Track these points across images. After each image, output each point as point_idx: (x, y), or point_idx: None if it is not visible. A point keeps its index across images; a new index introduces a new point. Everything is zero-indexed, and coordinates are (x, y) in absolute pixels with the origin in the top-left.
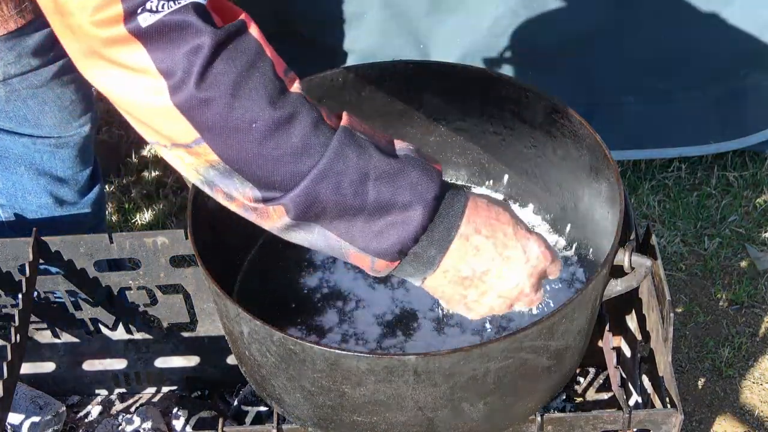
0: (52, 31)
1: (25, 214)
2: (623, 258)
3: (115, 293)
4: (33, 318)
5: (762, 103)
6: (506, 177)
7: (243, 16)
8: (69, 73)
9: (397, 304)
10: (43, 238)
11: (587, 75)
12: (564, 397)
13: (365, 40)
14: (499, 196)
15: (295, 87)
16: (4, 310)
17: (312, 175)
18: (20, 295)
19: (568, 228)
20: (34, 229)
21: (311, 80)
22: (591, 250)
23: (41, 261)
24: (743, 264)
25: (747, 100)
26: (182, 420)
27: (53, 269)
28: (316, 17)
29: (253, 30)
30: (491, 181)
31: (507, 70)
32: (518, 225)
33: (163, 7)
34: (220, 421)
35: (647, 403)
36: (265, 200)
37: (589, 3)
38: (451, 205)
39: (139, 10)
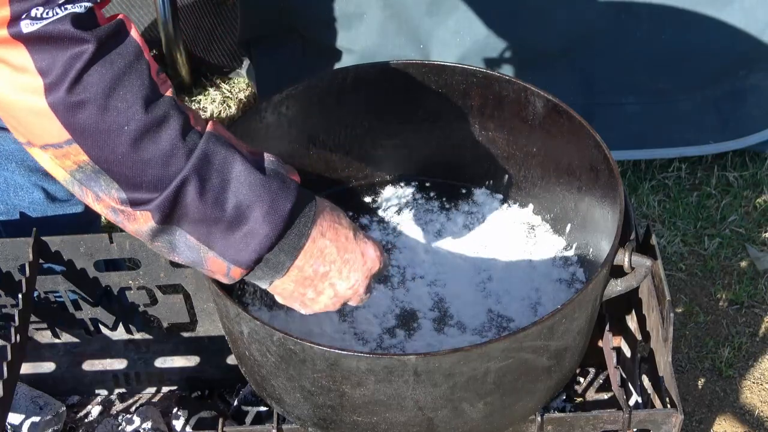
0: None
1: (18, 211)
2: (623, 258)
3: (115, 293)
4: (33, 318)
5: (762, 103)
6: (506, 177)
7: (121, 16)
8: None
9: (397, 304)
10: (43, 238)
11: (587, 75)
12: (564, 397)
13: (365, 40)
14: (500, 196)
15: (167, 89)
16: (4, 310)
17: (177, 180)
18: (20, 295)
19: (568, 228)
20: (34, 229)
21: (311, 80)
22: (591, 250)
23: (42, 261)
24: (743, 264)
25: (747, 100)
26: (182, 420)
27: (57, 268)
28: (316, 17)
29: (133, 32)
30: (491, 181)
31: (507, 70)
32: (357, 230)
33: (43, 16)
34: (220, 421)
35: (647, 403)
36: (132, 204)
37: (589, 3)
38: (304, 214)
39: (23, 16)
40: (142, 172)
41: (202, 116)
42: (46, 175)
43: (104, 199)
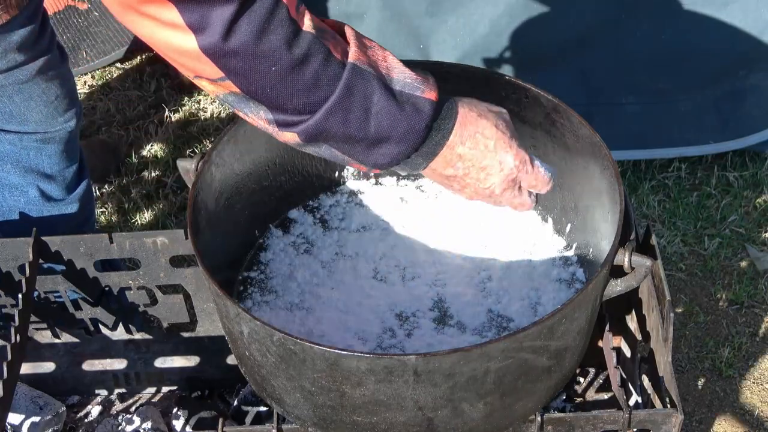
0: (35, 27)
1: (13, 211)
2: (623, 258)
3: (115, 293)
4: (33, 318)
5: (762, 103)
6: None
7: None
8: (53, 69)
9: (397, 304)
10: (43, 238)
11: (587, 75)
12: (564, 397)
13: None
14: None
15: (307, 24)
16: (4, 310)
17: (323, 110)
18: (20, 295)
19: (568, 228)
20: (34, 229)
21: None
22: (591, 250)
23: (42, 261)
24: (743, 264)
25: (747, 100)
26: (182, 420)
27: (58, 267)
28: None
29: None
30: None
31: (507, 70)
32: (501, 139)
33: None
34: (220, 421)
35: (647, 403)
36: (279, 124)
37: (589, 3)
38: (440, 127)
39: None
40: (289, 100)
41: (202, 116)
42: (42, 175)
43: (253, 118)
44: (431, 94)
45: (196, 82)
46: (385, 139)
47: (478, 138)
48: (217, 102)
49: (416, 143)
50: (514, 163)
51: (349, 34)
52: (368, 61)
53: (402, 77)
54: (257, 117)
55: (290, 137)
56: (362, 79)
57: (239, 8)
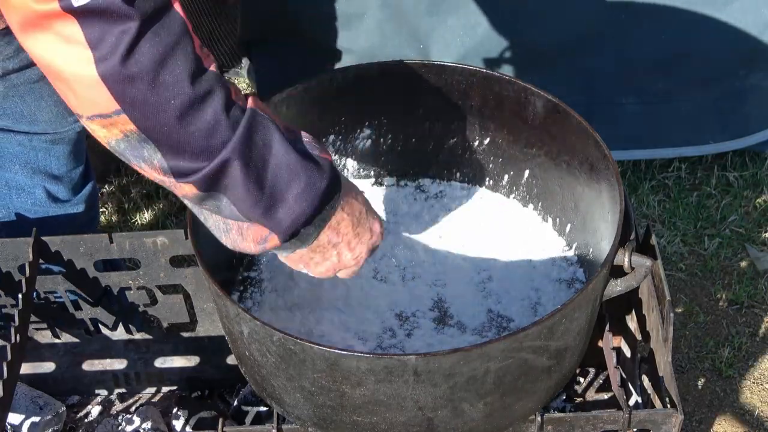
0: None
1: (20, 212)
2: (623, 258)
3: (115, 293)
4: (33, 318)
5: (762, 103)
6: (506, 177)
7: None
8: None
9: (397, 304)
10: (43, 238)
11: (587, 75)
12: (564, 397)
13: (365, 40)
14: (500, 197)
15: (210, 64)
16: (4, 310)
17: (222, 155)
18: (20, 295)
19: (568, 228)
20: (34, 229)
21: (311, 80)
22: (591, 250)
23: (42, 261)
24: (743, 264)
25: (747, 100)
26: (182, 420)
27: (55, 268)
28: (316, 17)
29: (177, 6)
30: (491, 181)
31: (507, 70)
32: (368, 206)
33: None
34: (220, 421)
35: (647, 403)
36: (175, 174)
37: (589, 3)
38: (334, 191)
39: None
40: (186, 143)
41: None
42: (50, 176)
43: (146, 169)
44: (327, 156)
45: (89, 124)
46: (282, 197)
47: (353, 204)
48: None
49: (316, 205)
50: (380, 230)
51: (251, 96)
52: (267, 111)
53: (299, 134)
54: (152, 167)
55: (188, 189)
56: (263, 126)
57: (141, 27)
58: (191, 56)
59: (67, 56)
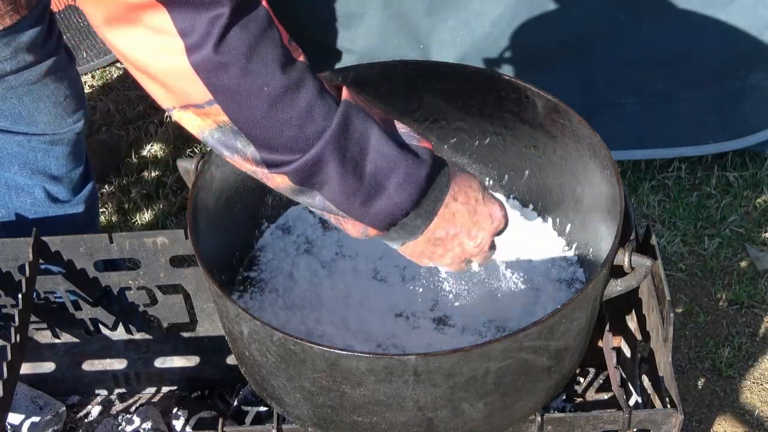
0: (44, 27)
1: (19, 212)
2: (623, 258)
3: (115, 293)
4: (33, 318)
5: (762, 103)
6: (506, 177)
7: None
8: (62, 70)
9: (398, 304)
10: (43, 238)
11: (587, 75)
12: (564, 397)
13: (365, 40)
14: (500, 197)
15: (300, 55)
16: (4, 310)
17: (317, 146)
18: (20, 295)
19: (568, 228)
20: (34, 229)
21: None
22: (591, 250)
23: (41, 261)
24: (743, 264)
25: (747, 100)
26: (182, 420)
27: (55, 268)
28: (316, 17)
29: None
30: (491, 181)
31: (507, 70)
32: (485, 191)
33: None
34: (220, 421)
35: (647, 403)
36: (268, 165)
37: (589, 3)
38: (438, 181)
39: None
40: (279, 133)
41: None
42: (49, 177)
43: (240, 160)
44: (427, 144)
45: (181, 115)
46: (382, 188)
47: (468, 192)
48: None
49: (416, 195)
50: (501, 214)
51: (344, 86)
52: (362, 102)
53: (397, 125)
54: (244, 158)
55: (281, 181)
56: (358, 116)
57: (231, 15)
58: (279, 46)
59: (157, 47)
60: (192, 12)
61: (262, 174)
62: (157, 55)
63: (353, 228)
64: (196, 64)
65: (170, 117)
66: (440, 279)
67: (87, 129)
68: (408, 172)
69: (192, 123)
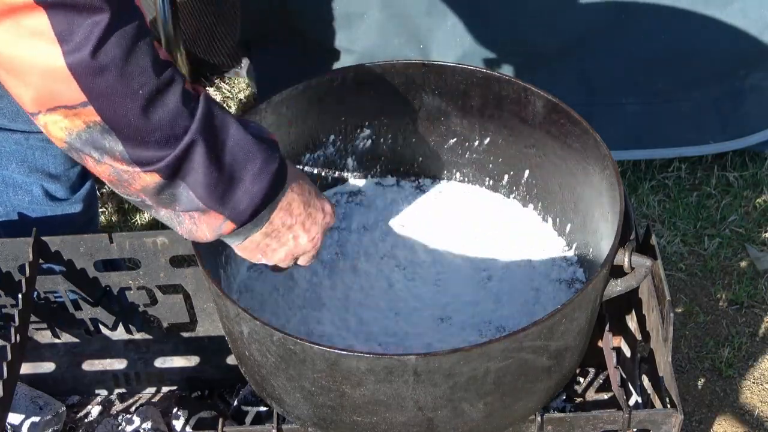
0: None
1: (17, 211)
2: (623, 258)
3: (115, 293)
4: (33, 318)
5: (762, 103)
6: (506, 177)
7: None
8: None
9: (398, 304)
10: (43, 238)
11: (587, 75)
12: (564, 397)
13: (365, 40)
14: (500, 197)
15: (164, 54)
16: (4, 310)
17: (185, 140)
18: (20, 295)
19: (568, 228)
20: (34, 229)
21: (311, 80)
22: (591, 250)
23: (42, 261)
24: (743, 264)
25: (747, 100)
26: (182, 420)
27: (57, 268)
28: (316, 17)
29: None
30: (491, 181)
31: (507, 70)
32: (315, 187)
33: None
34: (220, 421)
35: (647, 403)
36: (138, 163)
37: (589, 3)
38: (284, 171)
39: None
40: (151, 133)
41: None
42: (47, 175)
43: (108, 160)
44: (274, 137)
45: (46, 119)
46: (239, 179)
47: (302, 185)
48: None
49: (270, 186)
50: (331, 210)
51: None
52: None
53: (247, 119)
54: (113, 157)
55: (149, 180)
56: (216, 107)
57: (110, 21)
58: (151, 47)
59: (32, 50)
60: (71, 16)
61: (131, 174)
62: (31, 56)
63: (208, 226)
64: (73, 67)
65: None
66: (440, 279)
67: None
68: (263, 163)
69: (59, 125)
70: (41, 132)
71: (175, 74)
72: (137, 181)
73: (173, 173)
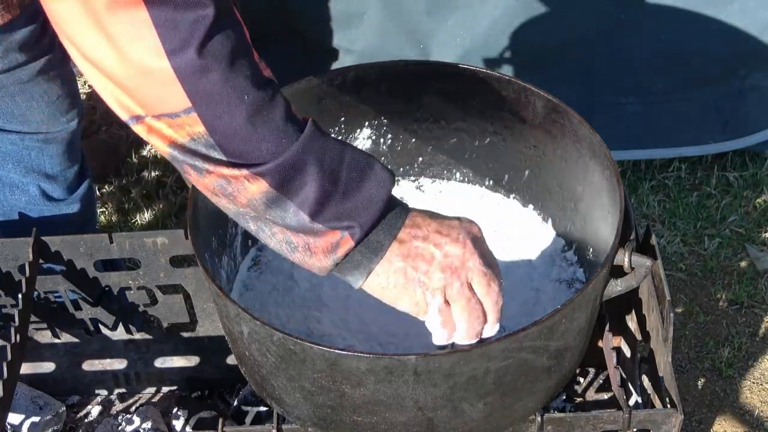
0: (36, 27)
1: (14, 210)
2: (623, 258)
3: (115, 293)
4: (33, 318)
5: (762, 103)
6: (506, 177)
7: None
8: (55, 69)
9: None
10: (43, 238)
11: (587, 75)
12: (564, 397)
13: (365, 40)
14: (500, 197)
15: (269, 73)
16: (4, 310)
17: (299, 142)
18: (20, 295)
19: (568, 228)
20: (34, 229)
21: (311, 80)
22: (591, 250)
23: (42, 261)
24: (743, 264)
25: (747, 100)
26: (182, 420)
27: (57, 267)
28: (316, 17)
29: (235, 11)
30: (491, 181)
31: (507, 70)
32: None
33: None
34: (220, 421)
35: (647, 403)
36: (245, 166)
37: (588, 3)
38: (399, 199)
39: None
40: (258, 144)
41: None
42: (44, 175)
43: (210, 169)
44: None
45: (151, 126)
46: (356, 193)
47: (426, 211)
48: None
49: (385, 204)
50: (468, 219)
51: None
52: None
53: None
54: (216, 165)
55: (256, 189)
56: (326, 134)
57: (215, 18)
58: (254, 59)
59: (133, 48)
60: (174, 12)
61: (236, 184)
62: (133, 57)
63: (324, 243)
64: (178, 67)
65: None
66: None
67: (87, 129)
68: (377, 182)
69: (161, 135)
70: (37, 133)
71: (278, 91)
72: (243, 193)
73: (282, 182)
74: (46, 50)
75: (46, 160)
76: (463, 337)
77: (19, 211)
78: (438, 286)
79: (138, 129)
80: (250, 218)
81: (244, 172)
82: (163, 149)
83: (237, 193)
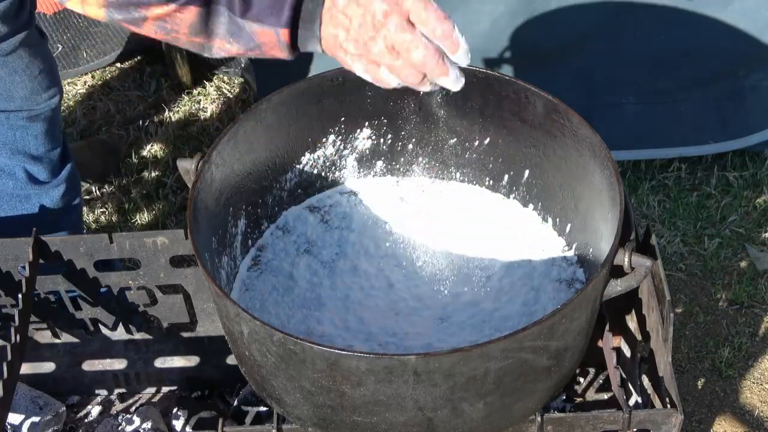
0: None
1: (2, 195)
2: (623, 258)
3: (115, 293)
4: (33, 318)
5: (762, 103)
6: (506, 177)
7: None
8: (35, 45)
9: (398, 304)
10: (43, 238)
11: (587, 75)
12: (564, 397)
13: None
14: (500, 197)
15: None
16: (4, 310)
17: None
18: (20, 295)
19: (568, 228)
20: (34, 229)
21: (311, 80)
22: (591, 250)
23: (43, 261)
24: (743, 264)
25: (747, 100)
26: (182, 420)
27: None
28: None
29: None
30: (491, 181)
31: (507, 70)
32: None
33: None
34: (220, 421)
35: (647, 403)
36: (170, 2)
37: (588, 3)
38: None
39: None
40: None
41: (202, 116)
42: (29, 156)
43: (148, 16)
44: None
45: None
46: None
47: None
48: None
49: None
50: None
51: None
52: None
53: None
54: (146, 10)
55: (189, 17)
56: None
57: None
58: None
59: None
60: None
61: (171, 21)
62: None
63: (266, 38)
64: None
65: (170, 117)
66: (441, 279)
67: (87, 129)
68: None
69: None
70: (20, 110)
71: None
72: (181, 25)
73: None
74: (26, 24)
75: (31, 141)
76: (431, 69)
77: (7, 195)
78: (363, 34)
79: (72, 4)
80: (208, 46)
81: (173, 6)
82: (99, 15)
83: (177, 27)
